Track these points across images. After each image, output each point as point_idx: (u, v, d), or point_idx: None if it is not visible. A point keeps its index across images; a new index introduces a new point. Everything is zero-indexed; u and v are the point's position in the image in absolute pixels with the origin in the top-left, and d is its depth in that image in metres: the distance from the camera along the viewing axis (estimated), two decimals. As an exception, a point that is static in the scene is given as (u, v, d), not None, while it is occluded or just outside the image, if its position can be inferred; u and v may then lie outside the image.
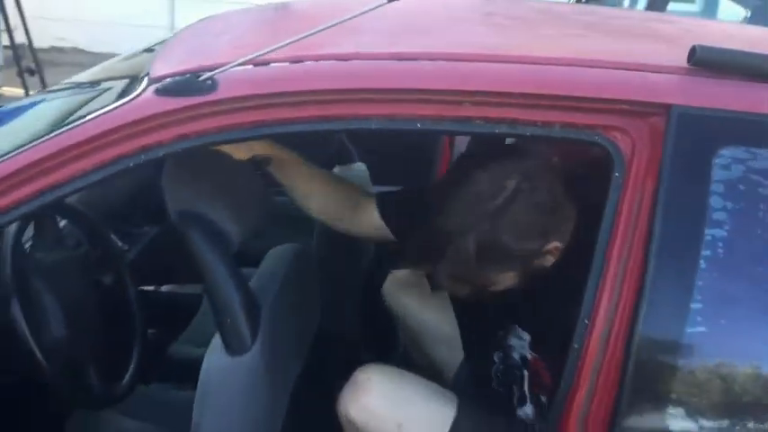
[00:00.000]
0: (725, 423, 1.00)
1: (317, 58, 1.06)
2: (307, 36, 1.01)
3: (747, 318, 1.00)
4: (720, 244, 0.98)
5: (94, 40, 6.53)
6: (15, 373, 1.29)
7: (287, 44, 1.01)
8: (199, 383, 1.16)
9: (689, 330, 0.97)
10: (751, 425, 1.01)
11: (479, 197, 1.18)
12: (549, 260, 1.22)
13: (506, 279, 1.25)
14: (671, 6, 5.59)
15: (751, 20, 4.38)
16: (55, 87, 1.83)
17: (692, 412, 1.00)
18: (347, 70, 1.04)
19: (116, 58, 1.85)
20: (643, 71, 1.06)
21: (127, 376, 1.46)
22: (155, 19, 6.39)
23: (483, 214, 1.17)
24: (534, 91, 1.03)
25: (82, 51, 6.70)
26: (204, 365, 1.17)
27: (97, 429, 1.53)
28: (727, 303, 0.99)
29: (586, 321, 1.00)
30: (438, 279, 1.27)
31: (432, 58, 1.07)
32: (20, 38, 5.05)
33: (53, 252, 1.34)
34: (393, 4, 1.05)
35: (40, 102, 1.72)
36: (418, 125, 1.04)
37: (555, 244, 1.20)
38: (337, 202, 1.45)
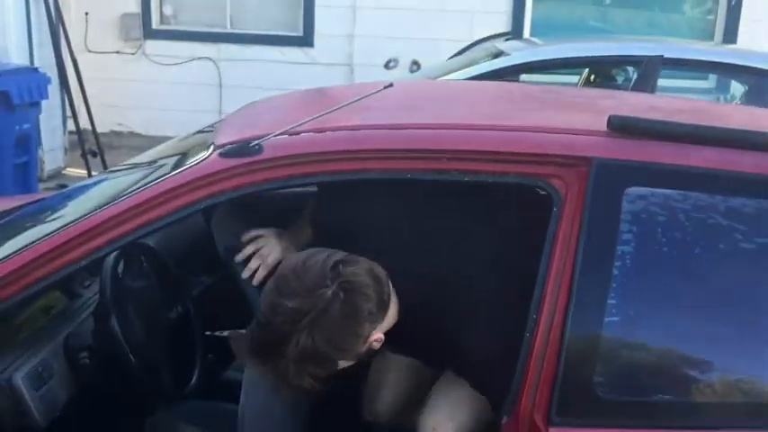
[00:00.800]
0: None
1: (334, 129, 1.46)
2: (326, 113, 1.42)
3: (650, 309, 1.34)
4: (628, 257, 1.33)
5: (150, 125, 7.15)
6: (113, 371, 1.67)
7: (312, 119, 1.42)
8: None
9: (606, 320, 1.31)
10: (667, 397, 1.33)
11: (296, 312, 1.28)
12: (376, 346, 1.37)
13: (344, 364, 1.37)
14: (685, 83, 5.96)
15: (747, 96, 4.76)
16: (124, 164, 2.25)
17: (615, 386, 1.32)
18: (355, 136, 1.44)
19: (173, 140, 2.27)
20: (574, 134, 1.44)
21: (191, 382, 1.84)
22: (204, 105, 6.98)
23: (301, 327, 1.27)
24: (494, 149, 1.42)
25: (138, 135, 7.30)
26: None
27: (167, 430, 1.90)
28: (635, 299, 1.33)
29: (534, 316, 1.35)
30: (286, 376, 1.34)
31: (418, 127, 1.48)
32: (82, 123, 5.64)
33: (137, 280, 1.75)
34: (390, 89, 1.47)
35: (116, 174, 2.15)
36: (408, 176, 1.43)
37: (376, 336, 1.35)
38: None
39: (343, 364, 1.38)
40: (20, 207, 2.30)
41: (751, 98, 4.52)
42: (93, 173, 5.16)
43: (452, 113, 1.67)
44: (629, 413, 1.34)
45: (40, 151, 5.53)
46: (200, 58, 7.16)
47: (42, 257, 1.41)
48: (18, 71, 4.84)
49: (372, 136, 1.45)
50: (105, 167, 5.30)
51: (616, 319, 1.32)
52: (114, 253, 1.64)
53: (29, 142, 5.02)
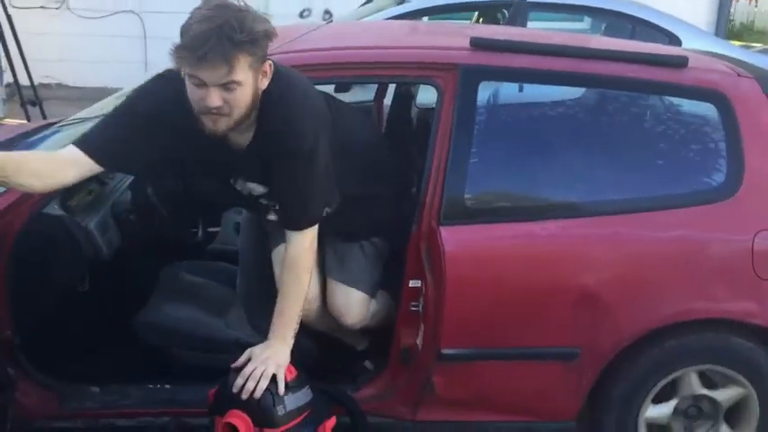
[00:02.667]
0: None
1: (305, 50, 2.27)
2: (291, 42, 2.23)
3: (492, 157, 2.24)
4: (482, 124, 2.21)
5: (78, 77, 7.58)
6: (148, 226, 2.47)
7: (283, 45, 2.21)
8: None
9: (470, 176, 2.19)
10: (504, 204, 2.25)
11: None
12: None
13: None
14: (562, 25, 6.91)
15: (606, 31, 5.78)
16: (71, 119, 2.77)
17: (476, 200, 2.22)
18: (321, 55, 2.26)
19: (114, 95, 2.71)
20: (449, 50, 2.30)
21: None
22: (130, 56, 7.44)
23: None
24: (400, 60, 2.26)
25: (66, 86, 7.71)
26: None
27: (178, 276, 2.70)
28: (484, 151, 2.22)
29: (429, 164, 2.20)
30: None
31: (353, 48, 2.30)
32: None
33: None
34: (327, 26, 2.27)
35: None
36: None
37: None
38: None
39: None
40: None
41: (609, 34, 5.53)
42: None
43: (372, 40, 2.51)
44: (484, 216, 2.24)
45: (-21, 103, 5.92)
46: (123, 11, 7.62)
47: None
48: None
49: (328, 55, 2.27)
50: (44, 117, 5.79)
51: (474, 161, 2.20)
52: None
53: (-30, 94, 5.42)
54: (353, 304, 2.35)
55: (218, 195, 2.39)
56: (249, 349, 2.05)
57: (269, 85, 1.93)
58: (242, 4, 1.87)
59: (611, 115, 2.48)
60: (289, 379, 2.00)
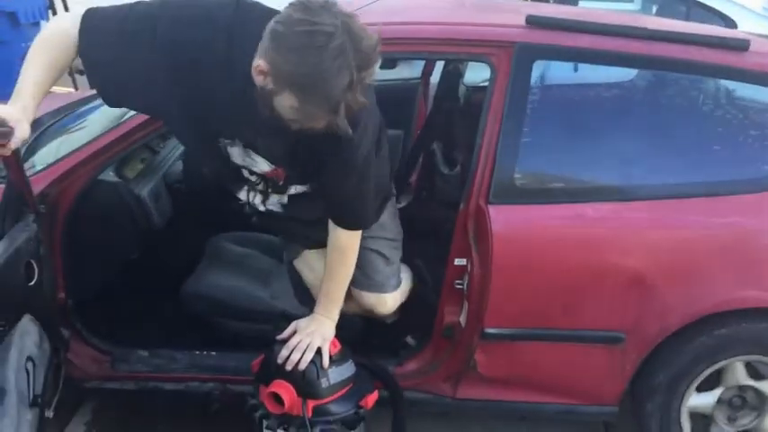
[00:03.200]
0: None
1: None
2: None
3: (546, 136, 2.22)
4: (535, 103, 2.19)
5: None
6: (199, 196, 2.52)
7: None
8: None
9: (521, 155, 2.17)
10: (558, 184, 2.23)
11: None
12: None
13: None
14: (610, 5, 6.78)
15: (658, 13, 5.66)
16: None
17: (526, 180, 2.20)
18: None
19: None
20: (505, 27, 2.27)
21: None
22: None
23: None
24: (455, 37, 2.24)
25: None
26: None
27: (224, 247, 2.73)
28: (538, 130, 2.20)
29: (479, 141, 2.19)
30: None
31: (408, 23, 2.29)
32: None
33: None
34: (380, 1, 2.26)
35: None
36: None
37: None
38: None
39: None
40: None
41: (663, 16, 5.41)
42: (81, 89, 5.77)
43: (425, 16, 2.49)
44: (534, 196, 2.22)
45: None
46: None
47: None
48: (21, -6, 5.38)
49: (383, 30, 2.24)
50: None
51: (526, 140, 2.18)
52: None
53: (30, 58, 5.57)
54: (384, 302, 2.33)
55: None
56: (295, 322, 2.08)
57: None
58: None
59: (668, 98, 2.43)
60: (333, 353, 2.02)
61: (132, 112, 2.17)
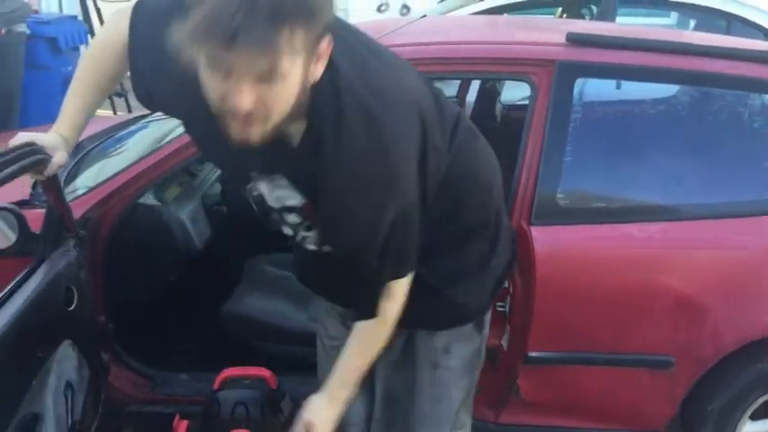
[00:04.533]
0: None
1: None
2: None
3: (588, 154, 2.17)
4: (577, 121, 2.14)
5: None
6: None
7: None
8: None
9: (564, 174, 2.12)
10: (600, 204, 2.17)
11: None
12: None
13: None
14: (646, 20, 6.72)
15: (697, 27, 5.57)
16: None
17: (570, 200, 2.15)
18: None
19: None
20: (546, 45, 2.24)
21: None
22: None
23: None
24: (494, 56, 2.21)
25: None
26: None
27: (263, 269, 2.72)
28: (580, 148, 2.15)
29: (521, 160, 2.15)
30: None
31: (446, 44, 2.27)
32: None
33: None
34: (421, 21, 2.25)
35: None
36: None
37: None
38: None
39: None
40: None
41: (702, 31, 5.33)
42: (119, 113, 5.85)
43: (465, 36, 2.47)
44: (578, 216, 2.17)
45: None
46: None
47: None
48: (62, 20, 5.52)
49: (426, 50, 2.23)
50: (129, 108, 5.99)
51: (569, 159, 2.14)
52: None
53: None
54: None
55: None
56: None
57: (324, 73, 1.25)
58: None
59: (713, 114, 2.37)
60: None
61: (171, 136, 2.18)
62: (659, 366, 2.14)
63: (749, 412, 2.21)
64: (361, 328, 1.54)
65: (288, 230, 1.53)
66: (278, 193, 1.44)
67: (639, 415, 2.27)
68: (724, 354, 2.11)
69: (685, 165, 2.20)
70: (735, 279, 2.08)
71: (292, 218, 1.47)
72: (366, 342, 1.56)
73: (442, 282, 1.62)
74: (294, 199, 1.42)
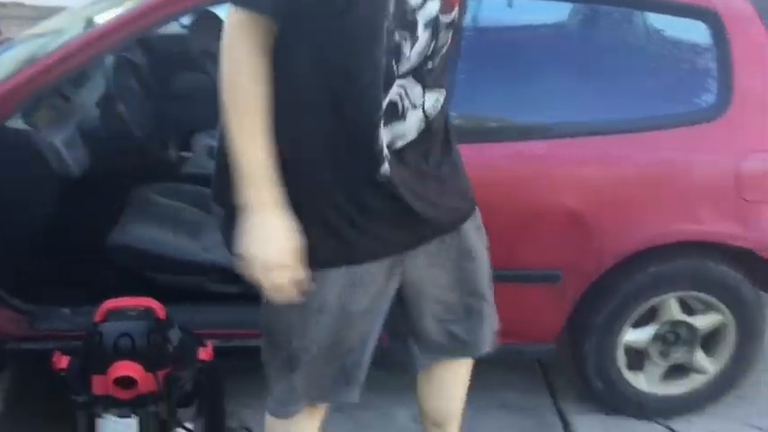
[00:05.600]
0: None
1: None
2: None
3: (477, 86, 2.15)
4: (468, 47, 2.11)
5: (34, -4, 7.23)
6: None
7: None
8: None
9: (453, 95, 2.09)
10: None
11: None
12: None
13: None
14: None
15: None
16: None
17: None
18: None
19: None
20: None
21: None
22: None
23: None
24: None
25: (22, 5, 7.39)
26: None
27: (150, 199, 2.60)
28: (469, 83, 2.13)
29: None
30: None
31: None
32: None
33: (130, 80, 2.42)
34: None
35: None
36: None
37: None
38: None
39: None
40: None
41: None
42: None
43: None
44: (468, 136, 2.16)
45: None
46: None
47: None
48: None
49: None
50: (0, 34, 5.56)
51: (460, 78, 2.12)
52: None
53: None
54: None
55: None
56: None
57: None
58: None
59: (598, 33, 2.40)
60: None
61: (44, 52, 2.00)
62: (548, 280, 2.20)
63: (631, 321, 2.31)
64: None
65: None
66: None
67: (532, 328, 2.33)
68: (606, 267, 2.19)
69: (570, 83, 2.22)
70: (615, 193, 2.14)
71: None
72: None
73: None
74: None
